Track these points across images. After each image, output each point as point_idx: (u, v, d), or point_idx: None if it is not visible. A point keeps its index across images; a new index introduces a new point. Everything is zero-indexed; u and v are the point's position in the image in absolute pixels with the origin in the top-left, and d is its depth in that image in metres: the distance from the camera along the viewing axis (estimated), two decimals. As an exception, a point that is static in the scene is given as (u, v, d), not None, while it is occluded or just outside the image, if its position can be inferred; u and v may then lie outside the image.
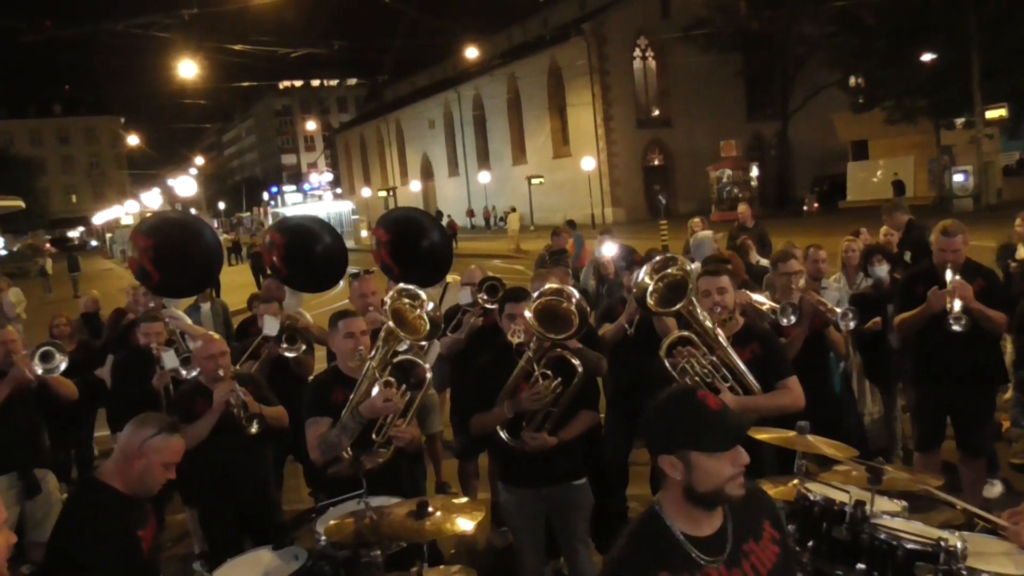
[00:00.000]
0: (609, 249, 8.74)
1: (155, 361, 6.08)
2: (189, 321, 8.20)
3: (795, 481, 3.57)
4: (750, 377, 4.26)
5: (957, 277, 5.28)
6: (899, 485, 3.47)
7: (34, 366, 5.74)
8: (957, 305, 5.17)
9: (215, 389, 4.79)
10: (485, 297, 6.05)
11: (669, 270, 4.34)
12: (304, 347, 6.32)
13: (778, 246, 8.83)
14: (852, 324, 5.68)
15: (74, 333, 9.50)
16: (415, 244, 6.86)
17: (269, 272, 7.71)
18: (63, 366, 5.92)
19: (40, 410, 6.03)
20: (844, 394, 6.70)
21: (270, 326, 6.29)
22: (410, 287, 4.70)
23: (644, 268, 4.47)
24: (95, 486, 3.34)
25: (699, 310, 4.28)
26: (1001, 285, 5.64)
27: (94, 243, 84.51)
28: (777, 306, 5.49)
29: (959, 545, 3.01)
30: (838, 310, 5.64)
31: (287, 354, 6.22)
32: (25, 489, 5.66)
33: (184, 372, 5.90)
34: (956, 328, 5.15)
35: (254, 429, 4.77)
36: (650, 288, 4.34)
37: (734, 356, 4.29)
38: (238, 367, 6.07)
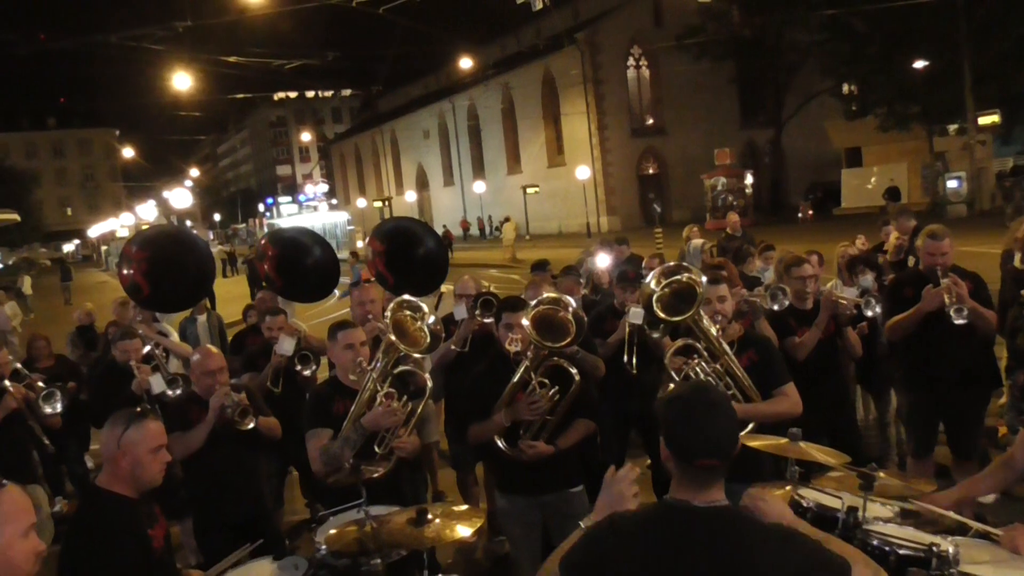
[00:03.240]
0: (603, 260, 8.77)
1: (133, 377, 6.11)
2: (176, 338, 8.24)
3: (788, 487, 3.60)
4: (750, 384, 4.31)
5: (951, 275, 5.34)
6: (892, 491, 3.49)
7: (42, 405, 5.94)
8: (956, 299, 5.23)
9: (211, 398, 4.81)
10: (480, 312, 6.08)
11: (678, 277, 4.37)
12: (315, 368, 6.37)
13: (776, 254, 8.87)
14: (877, 309, 5.75)
15: (69, 344, 9.52)
16: (410, 253, 6.90)
17: (264, 284, 7.76)
18: (60, 407, 6.10)
19: (28, 429, 6.09)
20: None
21: (285, 346, 6.32)
22: (411, 299, 4.72)
23: (652, 273, 4.50)
24: (98, 494, 3.38)
25: (705, 319, 4.32)
26: (986, 288, 5.70)
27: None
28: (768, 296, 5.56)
29: (951, 550, 3.04)
30: (859, 299, 5.71)
31: (303, 373, 6.26)
32: None
33: (171, 393, 5.93)
34: (959, 321, 5.16)
35: (249, 425, 4.75)
36: (656, 295, 4.36)
37: (736, 364, 4.32)
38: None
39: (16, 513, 2.44)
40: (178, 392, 5.84)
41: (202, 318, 9.72)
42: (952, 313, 5.19)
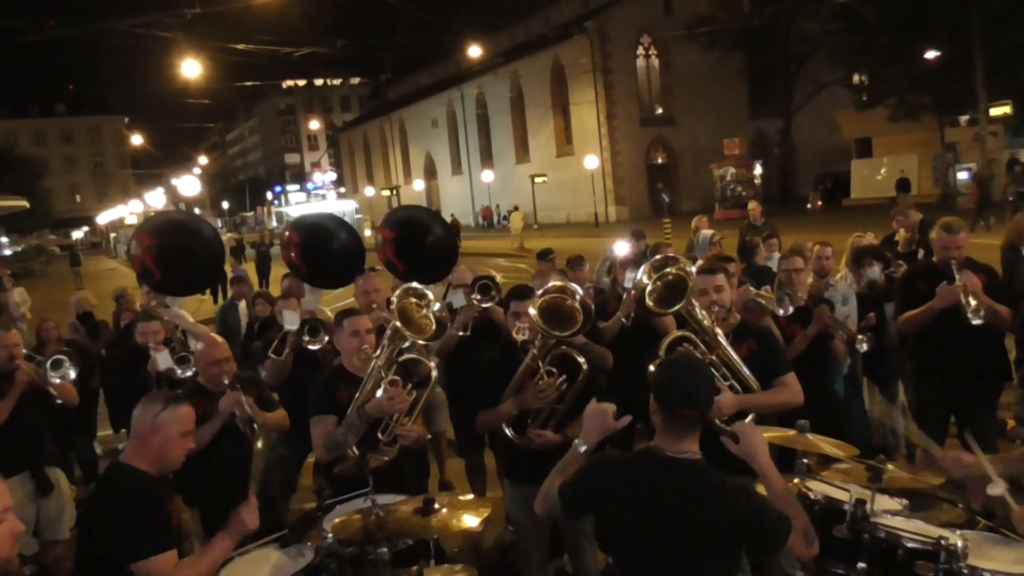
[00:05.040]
0: (621, 248, 8.74)
1: (149, 359, 6.12)
2: (191, 320, 8.25)
3: (796, 480, 3.59)
4: (749, 375, 4.28)
5: (965, 272, 5.30)
6: (899, 483, 3.48)
7: (49, 375, 5.85)
8: (972, 300, 5.19)
9: (223, 398, 4.75)
10: (479, 297, 6.05)
11: (668, 269, 4.37)
12: (327, 338, 6.32)
13: (785, 244, 8.83)
14: (866, 347, 5.71)
15: (72, 333, 9.54)
16: (419, 241, 6.92)
17: (288, 271, 7.77)
18: (72, 373, 6.05)
19: (44, 410, 6.09)
20: (850, 392, 6.71)
21: (290, 320, 6.31)
22: (417, 286, 4.71)
23: (642, 267, 4.50)
24: (122, 469, 3.44)
25: (698, 309, 4.30)
26: (1001, 281, 5.66)
27: None
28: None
29: (959, 544, 3.03)
30: (858, 335, 5.63)
31: (311, 346, 6.23)
32: (38, 488, 5.74)
33: (179, 372, 5.92)
34: (976, 321, 5.15)
35: (260, 444, 4.75)
36: (648, 288, 4.37)
37: (733, 355, 4.31)
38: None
39: None
40: (188, 373, 5.82)
41: (243, 304, 9.71)
42: (969, 315, 5.16)
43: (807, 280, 5.93)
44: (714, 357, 4.27)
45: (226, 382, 4.83)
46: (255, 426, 4.65)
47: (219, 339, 5.16)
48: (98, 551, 3.26)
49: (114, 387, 6.67)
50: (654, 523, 2.89)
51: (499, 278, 6.67)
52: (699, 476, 2.91)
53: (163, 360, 5.94)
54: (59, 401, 6.04)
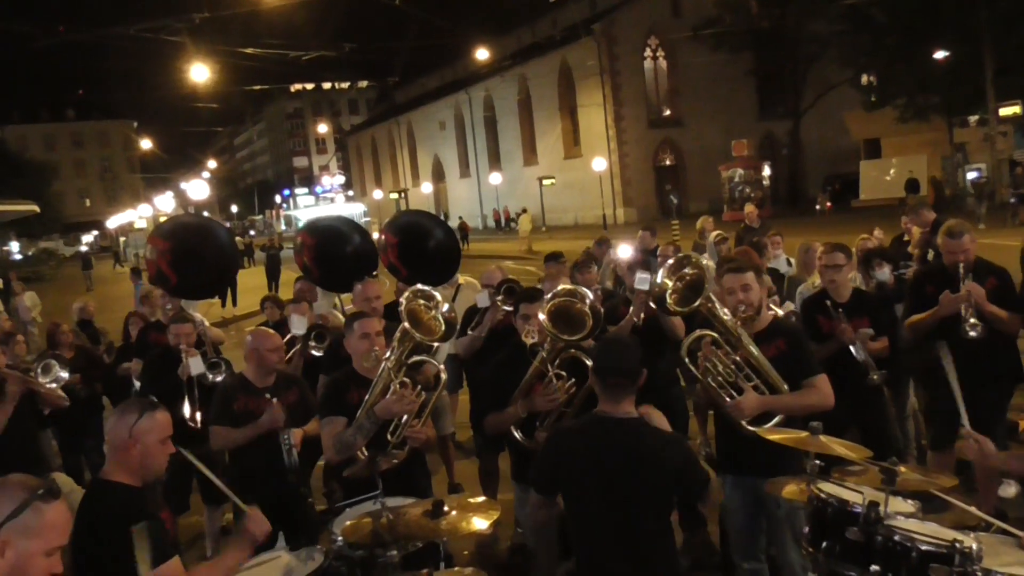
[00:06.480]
0: (625, 251, 8.72)
1: (181, 361, 6.12)
2: (207, 323, 8.28)
3: (803, 484, 3.56)
4: (776, 375, 4.22)
5: (969, 281, 5.23)
6: (913, 486, 3.45)
7: (40, 380, 5.85)
8: (971, 314, 5.15)
9: (268, 414, 4.84)
10: (503, 299, 6.05)
11: (686, 270, 4.36)
12: (332, 342, 6.34)
13: (793, 246, 8.80)
14: (878, 378, 5.64)
15: (73, 340, 9.55)
16: (422, 245, 6.94)
17: (302, 273, 7.77)
18: (64, 374, 6.04)
19: (34, 417, 6.05)
20: None
21: (298, 325, 6.33)
22: (425, 288, 4.72)
23: (660, 271, 4.49)
24: (104, 485, 3.35)
25: (719, 308, 4.27)
26: (1013, 284, 5.58)
27: None
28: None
29: (974, 546, 3.00)
30: (875, 376, 5.55)
31: (315, 352, 6.26)
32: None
33: (211, 377, 5.92)
34: (972, 334, 5.12)
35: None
36: (669, 289, 4.36)
37: (758, 354, 4.25)
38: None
39: (51, 530, 2.41)
40: (219, 379, 5.83)
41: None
42: (965, 327, 5.12)
43: (849, 276, 5.83)
44: (738, 357, 4.22)
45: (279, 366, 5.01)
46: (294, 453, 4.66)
47: (271, 331, 5.30)
48: (95, 573, 3.22)
49: (144, 389, 6.65)
50: (606, 474, 3.43)
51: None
52: (640, 432, 3.52)
53: (195, 365, 5.94)
54: (60, 396, 6.05)
